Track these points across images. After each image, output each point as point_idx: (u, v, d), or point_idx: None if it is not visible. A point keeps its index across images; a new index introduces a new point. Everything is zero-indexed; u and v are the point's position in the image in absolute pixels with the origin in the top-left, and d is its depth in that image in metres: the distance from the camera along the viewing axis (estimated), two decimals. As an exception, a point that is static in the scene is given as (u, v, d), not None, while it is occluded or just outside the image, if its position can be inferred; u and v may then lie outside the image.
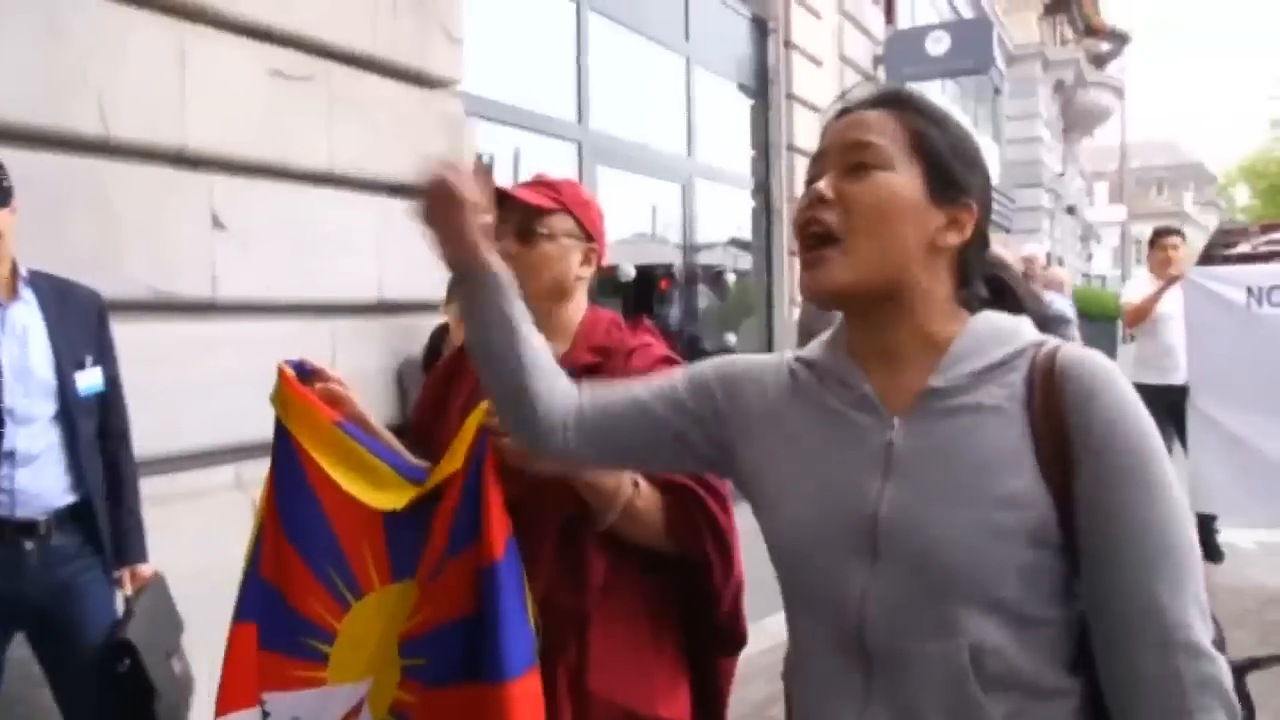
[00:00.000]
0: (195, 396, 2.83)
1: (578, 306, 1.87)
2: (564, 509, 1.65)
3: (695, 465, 1.36)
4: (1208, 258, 10.25)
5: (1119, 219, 28.53)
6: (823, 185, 1.08)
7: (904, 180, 1.06)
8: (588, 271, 1.85)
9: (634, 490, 1.63)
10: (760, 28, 8.05)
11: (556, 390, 1.27)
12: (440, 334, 3.68)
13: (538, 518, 1.66)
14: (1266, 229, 14.88)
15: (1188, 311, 5.15)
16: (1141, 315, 5.98)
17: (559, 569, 1.66)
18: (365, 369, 3.45)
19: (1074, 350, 1.03)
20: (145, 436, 2.72)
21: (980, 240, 1.13)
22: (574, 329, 1.83)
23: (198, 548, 2.80)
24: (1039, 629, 1.00)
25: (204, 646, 2.81)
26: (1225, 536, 5.90)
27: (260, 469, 3.05)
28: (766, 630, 2.95)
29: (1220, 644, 1.01)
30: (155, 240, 2.74)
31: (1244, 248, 13.41)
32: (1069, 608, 1.01)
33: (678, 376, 1.28)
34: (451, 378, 1.96)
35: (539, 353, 1.27)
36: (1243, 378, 4.86)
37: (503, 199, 1.81)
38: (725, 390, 1.24)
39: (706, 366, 1.28)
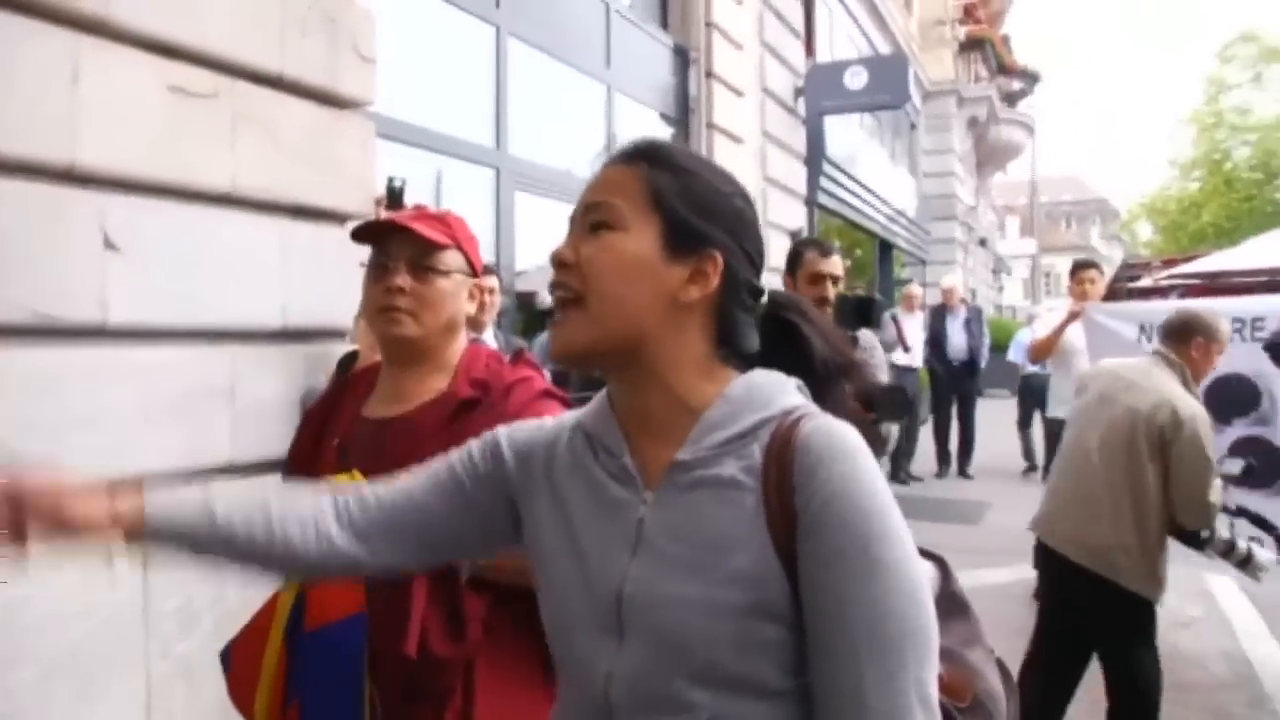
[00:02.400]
0: (84, 427, 2.69)
1: (461, 342, 1.88)
2: None
3: (498, 538, 1.24)
4: (1113, 292, 10.64)
5: (1029, 252, 29.44)
6: (563, 248, 1.09)
7: (636, 238, 1.06)
8: (472, 307, 1.87)
9: None
10: (682, 57, 8.12)
11: (320, 537, 1.16)
12: (348, 362, 3.57)
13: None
14: (1167, 264, 15.50)
15: (1089, 347, 5.24)
16: (1044, 350, 6.12)
17: (434, 619, 1.63)
18: (267, 399, 3.33)
19: (816, 422, 1.01)
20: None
21: (743, 289, 1.11)
22: (455, 363, 1.84)
23: (83, 586, 2.66)
24: (778, 699, 0.98)
25: (88, 689, 2.66)
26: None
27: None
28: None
29: None
30: (42, 262, 2.60)
31: (1146, 281, 13.94)
32: (808, 676, 0.99)
33: (469, 447, 1.24)
34: (329, 412, 1.92)
35: (270, 525, 1.15)
36: None
37: (396, 231, 1.79)
38: (515, 457, 1.21)
39: (499, 433, 1.24)
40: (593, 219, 1.08)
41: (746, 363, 1.12)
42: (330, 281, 3.52)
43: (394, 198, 3.89)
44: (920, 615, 0.95)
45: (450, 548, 1.25)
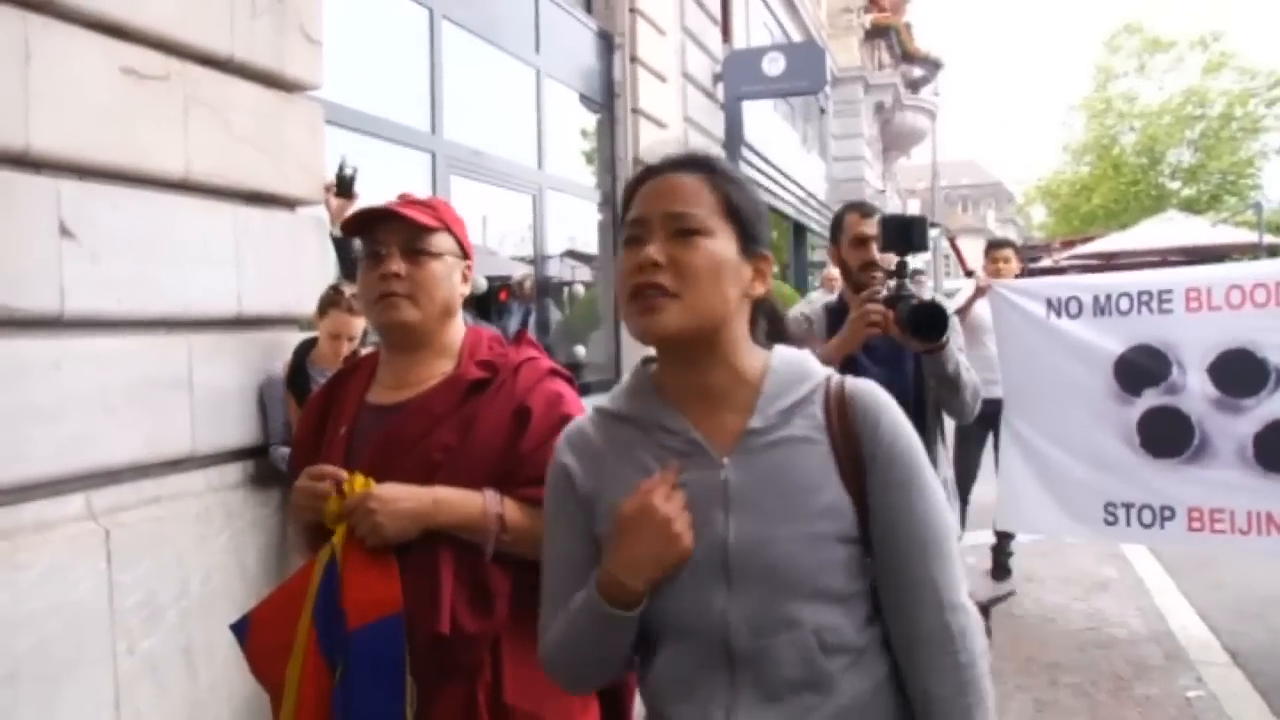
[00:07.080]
0: (41, 419, 2.60)
1: (459, 324, 1.89)
2: (455, 541, 1.67)
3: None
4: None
5: (931, 235, 30.20)
6: (653, 251, 1.22)
7: (722, 243, 1.25)
8: (466, 289, 1.87)
9: (498, 519, 1.66)
10: (607, 42, 8.13)
11: None
12: (305, 349, 3.52)
13: (432, 553, 1.67)
14: (1066, 245, 16.14)
15: (995, 325, 5.11)
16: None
17: (462, 597, 1.67)
18: (224, 387, 3.26)
19: (856, 384, 1.29)
20: (-14, 464, 2.49)
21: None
22: (458, 347, 1.85)
23: (47, 584, 2.58)
24: (851, 600, 1.25)
25: (55, 689, 2.59)
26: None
27: (114, 496, 2.86)
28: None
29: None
30: (-4, 250, 2.51)
31: (1046, 262, 14.46)
32: (866, 579, 1.26)
33: (559, 509, 1.36)
34: (330, 402, 1.91)
35: None
36: (1044, 391, 4.87)
37: (385, 219, 1.79)
38: (580, 490, 1.33)
39: (568, 469, 1.34)
40: (680, 226, 1.23)
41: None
42: (282, 268, 3.46)
43: (344, 185, 3.83)
44: (950, 517, 1.30)
45: None
